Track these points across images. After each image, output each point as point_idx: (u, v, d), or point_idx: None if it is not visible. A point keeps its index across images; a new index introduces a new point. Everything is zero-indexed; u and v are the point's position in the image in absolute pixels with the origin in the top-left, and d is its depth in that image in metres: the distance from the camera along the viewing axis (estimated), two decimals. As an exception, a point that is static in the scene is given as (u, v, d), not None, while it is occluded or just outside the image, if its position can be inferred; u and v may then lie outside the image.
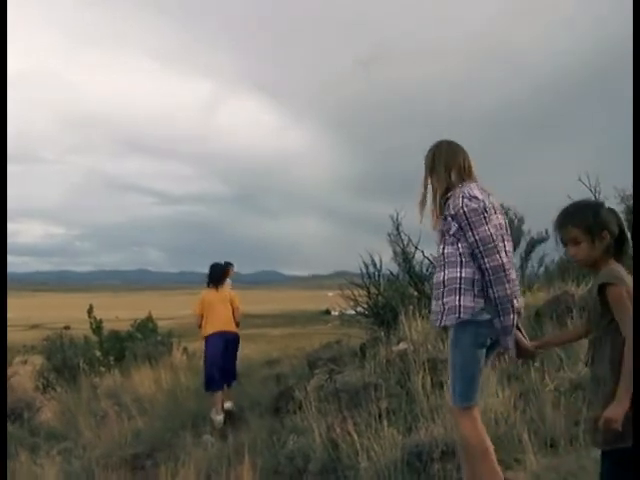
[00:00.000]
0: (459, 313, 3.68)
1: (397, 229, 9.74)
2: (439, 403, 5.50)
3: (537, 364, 5.92)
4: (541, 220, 10.41)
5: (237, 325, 8.60)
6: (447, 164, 3.95)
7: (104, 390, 11.11)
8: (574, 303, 7.30)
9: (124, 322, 16.16)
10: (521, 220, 9.90)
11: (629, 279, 2.99)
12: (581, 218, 3.15)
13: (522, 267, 10.12)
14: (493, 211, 3.78)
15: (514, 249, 9.74)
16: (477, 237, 3.67)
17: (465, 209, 3.70)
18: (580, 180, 9.69)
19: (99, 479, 5.41)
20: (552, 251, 10.42)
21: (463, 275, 3.71)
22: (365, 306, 9.90)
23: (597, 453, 3.98)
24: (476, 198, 3.73)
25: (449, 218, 3.78)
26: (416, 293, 9.50)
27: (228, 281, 8.94)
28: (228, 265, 8.95)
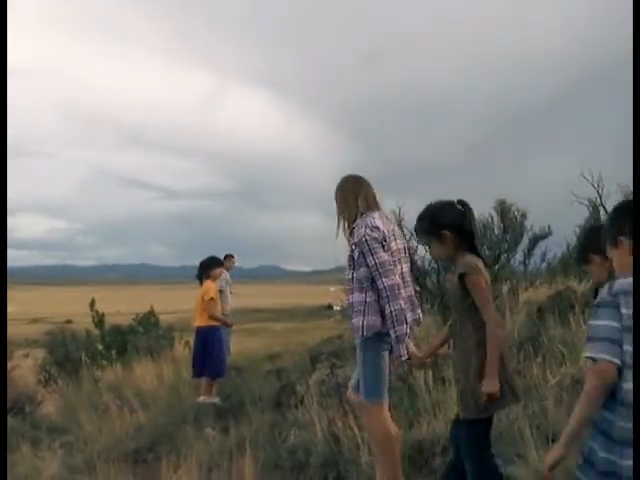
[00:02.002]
0: (362, 331, 4.27)
1: (399, 224, 9.73)
2: (441, 398, 5.51)
3: (539, 359, 5.92)
4: (543, 216, 10.41)
5: (212, 318, 8.58)
6: (353, 197, 4.42)
7: (106, 384, 11.12)
8: (576, 299, 7.30)
9: (126, 316, 16.17)
10: (523, 216, 9.89)
11: (482, 265, 3.47)
12: (422, 223, 3.69)
13: (525, 263, 10.12)
14: (393, 238, 4.34)
15: (516, 244, 9.76)
16: (376, 261, 4.18)
17: (367, 238, 4.20)
18: (583, 176, 9.68)
19: (101, 473, 5.41)
20: (554, 247, 10.43)
21: (367, 299, 4.27)
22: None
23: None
24: (377, 228, 4.24)
25: (353, 246, 4.31)
26: (418, 288, 9.50)
27: (225, 274, 8.93)
28: (213, 260, 8.94)
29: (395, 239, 4.36)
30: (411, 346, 4.25)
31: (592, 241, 3.24)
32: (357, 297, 4.33)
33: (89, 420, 8.10)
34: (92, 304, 13.87)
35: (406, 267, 4.44)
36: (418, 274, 9.63)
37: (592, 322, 2.50)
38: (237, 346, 9.30)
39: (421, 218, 3.73)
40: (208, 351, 8.49)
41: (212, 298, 8.51)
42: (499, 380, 3.38)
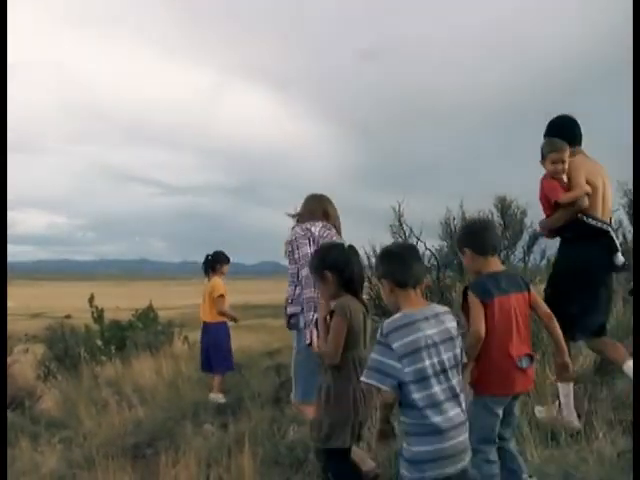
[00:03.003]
0: (288, 322, 4.92)
1: (399, 220, 9.72)
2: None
3: (538, 356, 5.92)
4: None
5: (222, 314, 8.64)
6: (307, 210, 5.07)
7: (105, 379, 11.13)
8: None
9: (125, 311, 16.17)
10: (523, 213, 9.86)
11: (355, 305, 3.79)
12: (312, 261, 4.07)
13: (524, 260, 10.10)
14: (324, 238, 4.76)
15: (516, 241, 9.75)
16: (300, 254, 4.78)
17: (295, 236, 4.86)
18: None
19: (99, 467, 5.40)
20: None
21: (297, 292, 4.84)
22: (366, 296, 9.89)
23: (599, 445, 3.99)
24: (308, 229, 4.82)
25: (288, 245, 4.93)
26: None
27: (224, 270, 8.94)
28: (220, 255, 8.92)
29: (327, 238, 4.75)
30: (314, 335, 4.20)
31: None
32: (289, 290, 4.99)
33: (88, 415, 8.11)
34: (91, 299, 13.88)
35: None
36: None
37: (372, 355, 3.08)
38: (236, 342, 9.29)
39: (312, 257, 4.16)
40: (219, 346, 8.55)
41: (222, 295, 8.57)
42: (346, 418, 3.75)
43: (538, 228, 5.67)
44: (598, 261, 4.89)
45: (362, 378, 3.10)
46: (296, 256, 4.83)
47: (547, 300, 3.82)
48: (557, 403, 4.83)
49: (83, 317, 15.59)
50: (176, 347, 13.41)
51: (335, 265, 3.84)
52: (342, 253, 3.92)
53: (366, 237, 11.09)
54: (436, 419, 2.99)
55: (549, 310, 3.64)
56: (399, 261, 3.24)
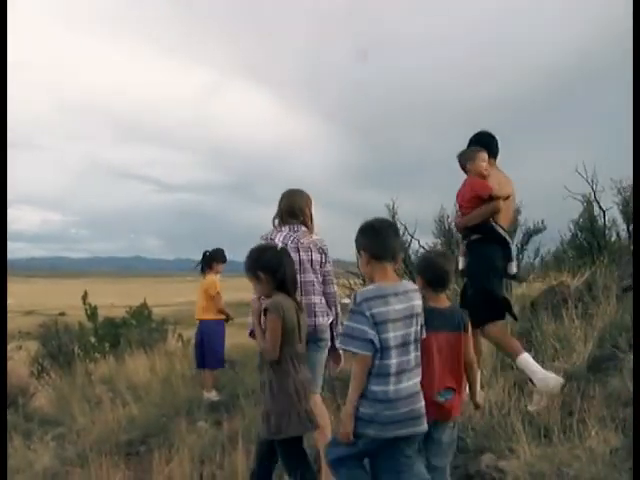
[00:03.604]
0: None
1: (393, 218, 9.75)
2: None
3: (532, 354, 5.94)
4: (537, 211, 10.41)
5: (221, 312, 8.71)
6: (278, 209, 5.03)
7: (99, 376, 11.13)
8: (570, 294, 7.32)
9: (119, 309, 16.15)
10: (517, 211, 9.89)
11: (288, 303, 4.01)
12: (246, 262, 4.19)
13: (518, 257, 10.13)
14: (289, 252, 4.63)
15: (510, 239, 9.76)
16: None
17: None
18: (577, 172, 9.68)
19: (93, 465, 5.40)
20: (548, 242, 10.44)
21: None
22: (360, 282, 9.89)
23: (591, 443, 4.00)
24: (272, 240, 4.81)
25: None
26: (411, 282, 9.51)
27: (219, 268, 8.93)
28: (219, 253, 8.93)
29: (291, 251, 4.60)
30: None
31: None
32: None
33: (82, 412, 8.11)
34: (85, 297, 13.85)
35: (307, 277, 4.82)
36: (412, 269, 9.64)
37: (347, 323, 3.32)
38: (230, 340, 9.30)
39: (247, 259, 4.24)
40: (212, 343, 8.57)
41: (218, 292, 8.60)
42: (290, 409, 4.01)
43: (455, 222, 6.18)
44: (500, 263, 5.48)
45: (339, 345, 3.40)
46: None
47: (462, 292, 4.07)
48: (539, 396, 5.03)
49: (77, 314, 15.56)
50: (170, 345, 13.41)
51: (268, 266, 4.10)
52: (275, 255, 4.17)
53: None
54: (386, 387, 3.26)
55: (473, 356, 3.86)
56: (378, 235, 3.45)
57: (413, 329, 3.38)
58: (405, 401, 3.30)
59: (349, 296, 10.06)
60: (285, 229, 4.92)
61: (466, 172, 5.64)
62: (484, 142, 5.81)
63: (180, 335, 14.29)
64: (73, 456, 6.38)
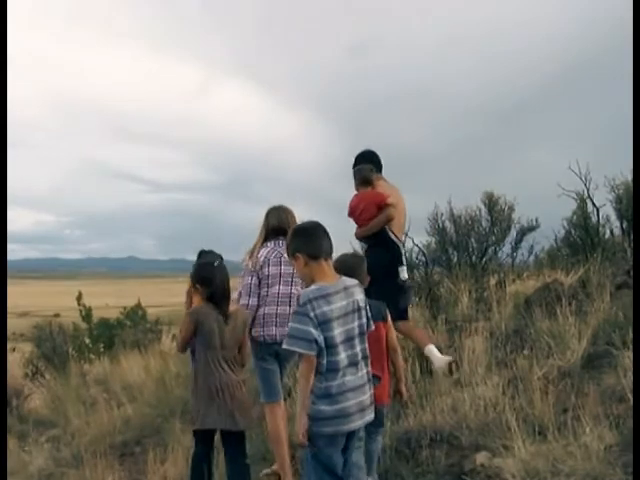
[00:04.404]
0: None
1: (387, 217, 9.73)
2: (428, 390, 5.52)
3: (526, 351, 5.94)
4: (531, 208, 10.41)
5: None
6: (263, 225, 5.35)
7: (93, 377, 11.11)
8: (564, 291, 7.32)
9: (113, 309, 16.13)
10: (511, 208, 9.88)
11: (209, 312, 4.63)
12: (190, 276, 4.85)
13: (512, 255, 10.12)
14: (268, 264, 5.18)
15: (504, 237, 9.77)
16: (242, 284, 5.24)
17: (244, 265, 5.28)
18: (571, 169, 9.68)
19: (88, 466, 5.40)
20: (542, 239, 10.44)
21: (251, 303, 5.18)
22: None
23: (586, 440, 4.01)
24: (257, 257, 5.22)
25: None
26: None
27: None
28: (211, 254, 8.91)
29: (272, 265, 5.18)
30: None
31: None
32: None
33: (76, 414, 8.09)
34: (79, 298, 13.82)
35: (284, 289, 5.20)
36: (406, 266, 9.64)
37: (291, 324, 3.44)
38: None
39: (192, 268, 4.94)
40: None
41: None
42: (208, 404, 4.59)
43: (355, 234, 6.46)
44: (394, 266, 6.06)
45: (285, 346, 3.47)
46: (242, 283, 5.27)
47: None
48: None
49: (71, 315, 15.54)
50: (164, 345, 13.38)
51: (203, 281, 4.74)
52: (209, 271, 4.77)
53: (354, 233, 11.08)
54: (336, 382, 3.42)
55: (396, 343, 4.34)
56: (311, 236, 3.63)
57: (357, 323, 3.56)
58: (354, 393, 3.47)
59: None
60: (270, 244, 5.26)
61: (360, 187, 6.26)
62: (369, 159, 6.48)
63: (174, 335, 14.26)
64: (68, 457, 6.38)
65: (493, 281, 9.08)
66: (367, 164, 6.38)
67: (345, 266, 4.13)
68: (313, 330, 3.36)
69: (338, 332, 3.43)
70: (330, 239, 3.76)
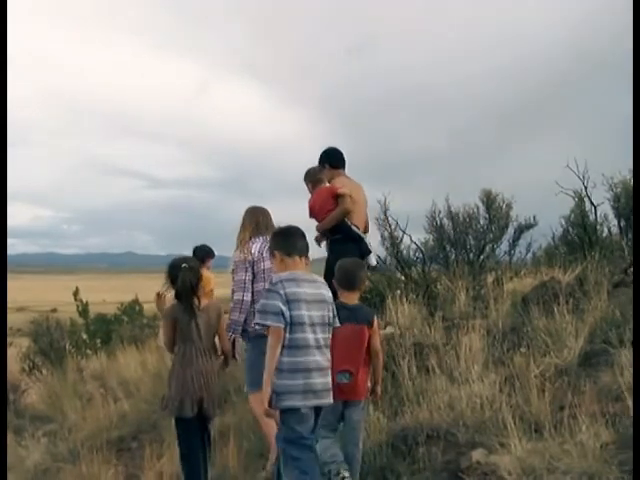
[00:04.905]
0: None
1: (384, 214, 9.72)
2: (425, 387, 5.52)
3: (523, 349, 5.94)
4: (529, 206, 10.41)
5: None
6: (247, 222, 5.63)
7: (90, 373, 11.11)
8: (561, 289, 7.32)
9: (111, 305, 16.13)
10: (509, 206, 9.88)
11: (179, 309, 5.05)
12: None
13: (510, 253, 10.13)
14: (262, 259, 5.44)
15: (501, 235, 9.78)
16: (235, 279, 5.47)
17: (236, 260, 5.50)
18: (569, 167, 9.68)
19: (84, 461, 5.40)
20: (540, 237, 10.45)
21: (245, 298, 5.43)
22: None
23: (582, 438, 4.01)
24: (250, 251, 5.46)
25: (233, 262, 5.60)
26: (403, 278, 9.51)
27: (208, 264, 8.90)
28: (206, 249, 8.89)
29: (265, 260, 5.39)
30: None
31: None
32: (236, 296, 5.49)
33: (73, 409, 8.10)
34: (76, 293, 13.82)
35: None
36: (404, 264, 9.64)
37: (262, 301, 3.79)
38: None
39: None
40: None
41: (212, 289, 8.57)
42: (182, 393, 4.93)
43: (316, 228, 6.59)
44: (362, 255, 6.19)
45: (256, 320, 3.80)
46: (236, 278, 5.49)
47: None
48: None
49: (69, 310, 15.53)
50: (161, 340, 13.39)
51: (171, 280, 5.11)
52: (176, 271, 5.09)
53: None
54: (303, 359, 3.74)
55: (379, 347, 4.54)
56: (288, 237, 4.07)
57: (323, 313, 3.92)
58: (316, 373, 3.78)
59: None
60: (260, 239, 5.53)
61: (314, 187, 6.58)
62: (335, 158, 6.75)
63: (157, 333, 14.25)
64: (64, 452, 6.38)
65: (490, 279, 9.07)
66: (322, 164, 6.70)
67: (345, 270, 4.58)
68: (281, 305, 3.70)
69: (306, 314, 3.78)
70: (306, 240, 4.17)
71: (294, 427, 3.78)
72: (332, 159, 6.74)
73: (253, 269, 5.45)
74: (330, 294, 4.05)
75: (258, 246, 5.46)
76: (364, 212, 6.82)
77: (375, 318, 4.54)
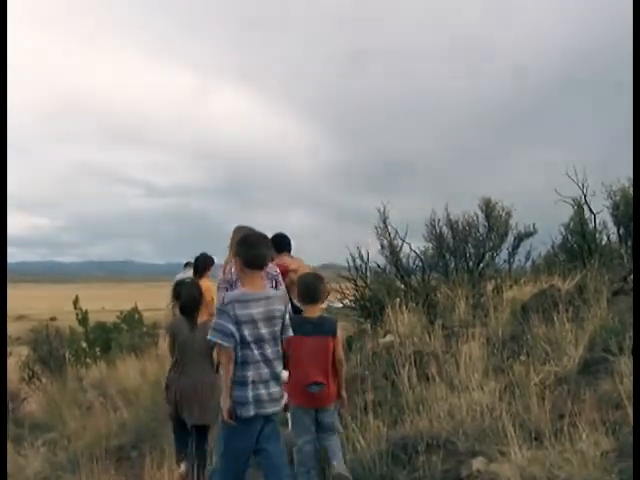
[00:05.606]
0: None
1: (384, 222, 9.73)
2: (424, 396, 5.52)
3: (523, 357, 5.95)
4: (528, 214, 10.42)
5: (212, 316, 8.69)
6: (233, 242, 5.77)
7: (90, 381, 11.09)
8: (560, 297, 7.33)
9: (110, 313, 16.09)
10: (508, 214, 9.90)
11: (180, 324, 5.60)
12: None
13: (509, 261, 10.15)
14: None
15: (501, 243, 9.79)
16: (217, 298, 5.60)
17: (219, 279, 5.91)
18: (568, 175, 9.71)
19: (84, 470, 5.38)
20: (539, 245, 10.46)
21: None
22: (352, 299, 9.90)
23: (582, 446, 4.01)
24: (230, 271, 5.75)
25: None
26: (403, 286, 9.51)
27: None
28: (207, 258, 8.90)
29: None
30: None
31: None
32: None
33: (73, 417, 8.08)
34: (75, 301, 13.79)
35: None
36: (403, 272, 9.64)
37: (215, 320, 4.01)
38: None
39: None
40: None
41: (213, 298, 8.57)
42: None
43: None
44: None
45: (208, 337, 4.04)
46: (218, 297, 5.68)
47: None
48: None
49: (68, 319, 15.51)
50: (161, 349, 13.37)
51: (176, 296, 5.63)
52: (181, 289, 5.66)
53: (351, 238, 11.08)
54: (249, 373, 3.97)
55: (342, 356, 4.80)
56: (251, 248, 4.13)
57: (272, 329, 4.08)
58: (264, 384, 4.01)
59: (341, 300, 10.06)
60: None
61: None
62: (277, 242, 6.86)
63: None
64: (64, 461, 6.37)
65: (490, 287, 9.08)
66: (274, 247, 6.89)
67: (305, 285, 4.85)
68: (231, 326, 3.93)
69: (254, 332, 3.99)
70: (269, 251, 4.42)
71: (236, 434, 4.03)
72: (286, 244, 7.10)
73: (233, 288, 5.61)
74: (282, 307, 4.19)
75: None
76: None
77: (338, 329, 4.81)
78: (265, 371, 4.05)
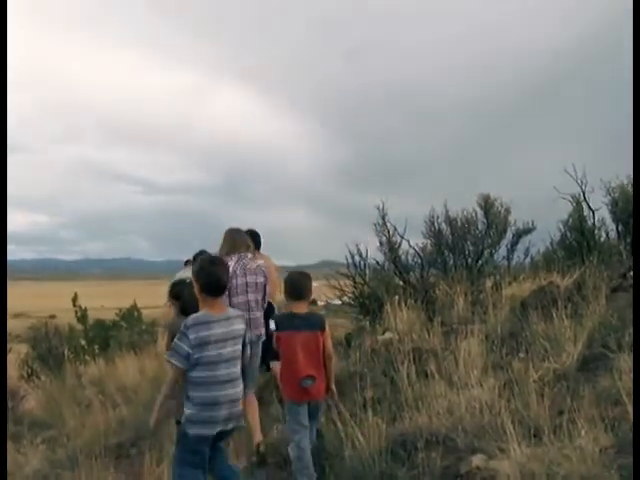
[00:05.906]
0: None
1: (383, 219, 9.74)
2: (424, 392, 5.52)
3: (522, 354, 5.95)
4: (527, 211, 10.42)
5: None
6: (224, 242, 5.99)
7: (89, 379, 11.08)
8: (559, 294, 7.33)
9: (109, 311, 16.09)
10: (507, 211, 9.91)
11: (179, 322, 4.65)
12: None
13: (508, 258, 10.14)
14: (235, 275, 5.72)
15: (500, 240, 9.78)
16: None
17: None
18: (566, 172, 9.71)
19: (83, 468, 5.38)
20: (538, 242, 10.46)
21: None
22: (351, 296, 9.91)
23: (582, 442, 4.01)
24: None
25: None
26: (401, 283, 9.52)
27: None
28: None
29: (239, 276, 5.79)
30: None
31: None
32: None
33: (72, 415, 8.07)
34: (74, 299, 13.79)
35: (251, 297, 5.86)
36: (402, 269, 9.65)
37: (175, 341, 4.06)
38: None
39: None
40: None
41: None
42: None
43: None
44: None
45: (165, 356, 4.21)
46: None
47: None
48: None
49: (67, 317, 15.51)
50: (160, 346, 13.37)
51: (175, 297, 5.47)
52: (180, 289, 5.45)
53: (350, 236, 11.08)
54: (210, 394, 4.05)
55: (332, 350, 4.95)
56: (209, 275, 4.20)
57: (232, 348, 4.18)
58: (223, 405, 4.10)
59: (340, 297, 10.06)
60: (235, 257, 5.85)
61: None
62: (255, 240, 6.98)
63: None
64: (63, 459, 6.36)
65: (489, 284, 9.08)
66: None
67: (292, 282, 4.96)
68: (188, 349, 4.00)
69: (214, 353, 4.06)
70: (227, 274, 4.40)
71: (194, 450, 4.12)
72: (257, 241, 7.19)
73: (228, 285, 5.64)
74: (243, 327, 4.31)
75: (232, 264, 5.73)
76: (274, 281, 7.07)
77: (326, 323, 4.92)
78: (230, 392, 4.14)
